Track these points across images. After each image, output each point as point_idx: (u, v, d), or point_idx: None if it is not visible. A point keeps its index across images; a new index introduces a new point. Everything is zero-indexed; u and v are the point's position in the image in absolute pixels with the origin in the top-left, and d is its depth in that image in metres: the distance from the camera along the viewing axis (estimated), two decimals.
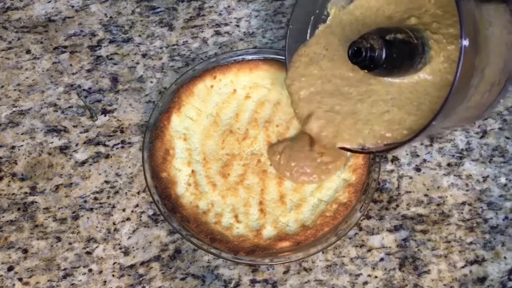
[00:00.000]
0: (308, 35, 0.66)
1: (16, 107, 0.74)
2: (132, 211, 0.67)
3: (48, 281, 0.63)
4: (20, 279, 0.63)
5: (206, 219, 0.64)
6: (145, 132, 0.69)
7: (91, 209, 0.67)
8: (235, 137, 0.69)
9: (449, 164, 0.68)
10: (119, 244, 0.65)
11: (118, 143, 0.71)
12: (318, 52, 0.63)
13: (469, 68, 0.46)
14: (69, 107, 0.74)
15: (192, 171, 0.67)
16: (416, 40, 0.53)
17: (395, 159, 0.69)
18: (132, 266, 0.64)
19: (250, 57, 0.72)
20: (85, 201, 0.67)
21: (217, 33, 0.78)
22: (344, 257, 0.63)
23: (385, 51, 0.52)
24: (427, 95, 0.56)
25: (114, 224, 0.66)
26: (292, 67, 0.64)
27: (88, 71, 0.76)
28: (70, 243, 0.65)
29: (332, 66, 0.61)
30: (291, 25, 0.64)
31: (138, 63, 0.76)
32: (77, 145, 0.71)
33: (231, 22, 0.79)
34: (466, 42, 0.45)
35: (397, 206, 0.66)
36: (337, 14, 0.64)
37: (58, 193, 0.68)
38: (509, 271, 0.62)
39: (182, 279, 0.63)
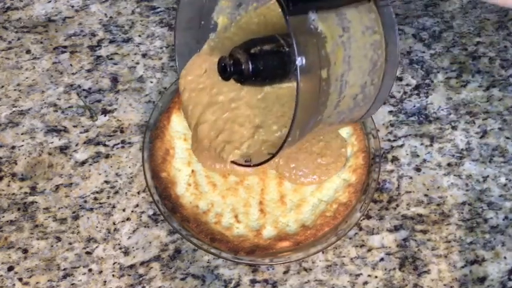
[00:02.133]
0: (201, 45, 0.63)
1: (16, 107, 0.74)
2: (132, 211, 0.67)
3: (48, 281, 0.63)
4: (20, 279, 0.63)
5: (206, 219, 0.64)
6: (145, 132, 0.69)
7: (91, 209, 0.67)
8: None
9: (449, 164, 0.68)
10: (119, 244, 0.65)
11: (118, 143, 0.71)
12: (203, 66, 0.62)
13: (315, 81, 0.47)
14: (69, 107, 0.74)
15: (192, 171, 0.67)
16: (289, 47, 0.53)
17: (395, 159, 0.69)
18: (132, 266, 0.64)
19: None
20: (85, 201, 0.67)
21: None
22: (344, 257, 0.63)
23: (251, 64, 0.52)
24: (281, 104, 0.57)
25: (114, 224, 0.66)
26: (181, 78, 0.62)
27: (88, 71, 0.76)
28: (70, 243, 0.65)
29: (214, 82, 0.60)
30: (178, 30, 0.62)
31: (138, 63, 0.76)
32: (77, 145, 0.71)
33: None
34: (301, 62, 0.46)
35: (397, 206, 0.66)
36: (225, 23, 0.62)
37: (58, 193, 0.68)
38: (509, 271, 0.62)
39: (182, 279, 0.63)
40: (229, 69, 0.53)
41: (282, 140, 0.54)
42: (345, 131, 0.68)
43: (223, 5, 0.61)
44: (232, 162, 0.59)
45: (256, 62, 0.52)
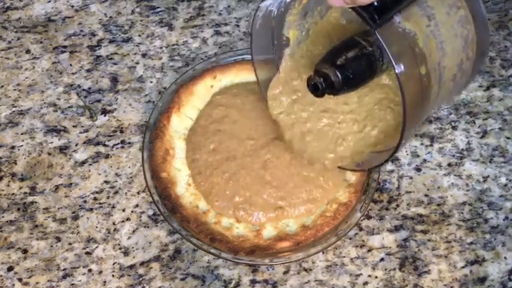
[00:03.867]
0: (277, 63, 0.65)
1: (16, 107, 0.74)
2: (132, 211, 0.67)
3: (48, 281, 0.63)
4: (20, 280, 0.63)
5: (206, 219, 0.64)
6: (145, 132, 0.68)
7: (91, 209, 0.67)
8: None
9: (449, 164, 0.68)
10: (119, 244, 0.65)
11: (118, 143, 0.71)
12: (289, 80, 0.63)
13: (417, 81, 0.47)
14: (69, 107, 0.74)
15: None
16: (371, 47, 0.52)
17: (395, 159, 0.68)
18: (132, 266, 0.64)
19: (250, 57, 0.72)
20: (85, 201, 0.67)
21: (217, 33, 0.78)
22: (344, 257, 0.63)
23: (340, 75, 0.52)
24: (390, 101, 0.59)
25: (114, 224, 0.66)
26: (270, 96, 0.64)
27: (88, 70, 0.76)
28: (70, 244, 0.65)
29: (305, 93, 0.61)
30: (255, 58, 0.64)
31: (138, 63, 0.76)
32: (76, 145, 0.71)
33: (231, 22, 0.79)
34: (400, 69, 0.45)
35: (397, 206, 0.66)
36: (296, 35, 0.63)
37: (58, 193, 0.68)
38: (510, 271, 0.62)
39: (182, 279, 0.63)
40: (321, 87, 0.52)
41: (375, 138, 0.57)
42: None
43: (290, 20, 0.62)
44: (340, 167, 0.61)
45: (345, 72, 0.52)
